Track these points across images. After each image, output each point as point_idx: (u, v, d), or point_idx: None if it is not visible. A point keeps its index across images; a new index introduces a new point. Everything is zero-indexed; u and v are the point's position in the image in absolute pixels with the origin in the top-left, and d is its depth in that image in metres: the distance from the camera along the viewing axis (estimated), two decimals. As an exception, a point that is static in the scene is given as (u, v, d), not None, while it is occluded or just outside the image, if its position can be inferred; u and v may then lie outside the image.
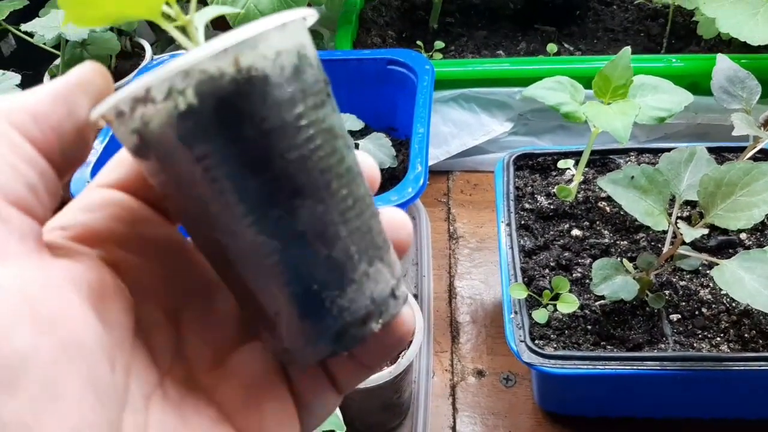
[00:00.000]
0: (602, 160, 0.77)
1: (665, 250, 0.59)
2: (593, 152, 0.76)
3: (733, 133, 0.60)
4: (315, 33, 1.08)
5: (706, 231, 0.55)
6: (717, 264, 0.54)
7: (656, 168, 0.58)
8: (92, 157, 0.78)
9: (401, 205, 0.69)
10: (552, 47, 1.01)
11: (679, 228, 0.55)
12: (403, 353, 0.61)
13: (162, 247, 0.26)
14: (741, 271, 0.53)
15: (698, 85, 0.90)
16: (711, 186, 0.56)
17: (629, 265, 0.63)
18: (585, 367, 0.56)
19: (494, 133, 0.98)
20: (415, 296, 0.84)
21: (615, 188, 0.57)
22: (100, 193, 0.25)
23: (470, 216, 0.96)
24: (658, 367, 0.56)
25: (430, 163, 0.99)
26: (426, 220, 0.94)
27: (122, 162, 0.26)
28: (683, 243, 0.57)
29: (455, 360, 0.77)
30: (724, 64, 0.65)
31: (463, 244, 0.92)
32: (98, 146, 0.80)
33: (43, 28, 0.86)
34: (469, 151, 1.00)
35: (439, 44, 1.02)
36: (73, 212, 0.24)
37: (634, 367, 0.56)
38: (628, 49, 0.61)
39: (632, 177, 0.57)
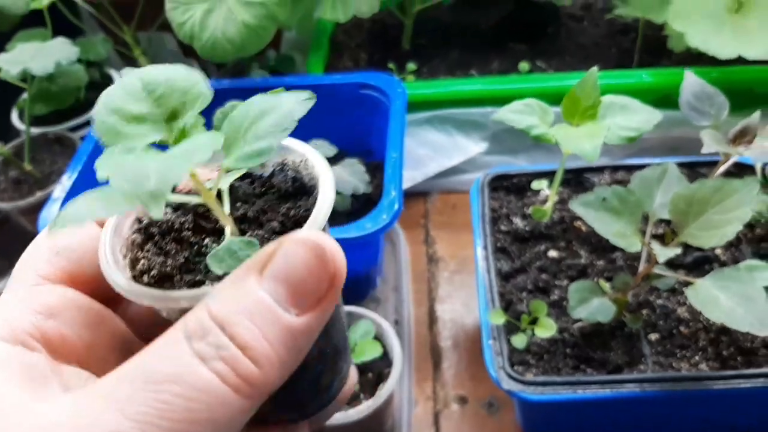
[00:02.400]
0: (577, 179, 0.77)
1: (640, 269, 0.59)
2: (567, 171, 0.76)
3: (702, 151, 0.60)
4: (287, 57, 1.08)
5: (679, 250, 0.55)
6: (691, 283, 0.54)
7: (628, 188, 0.58)
8: (61, 193, 0.77)
9: (377, 232, 0.68)
10: (524, 65, 1.01)
11: (652, 249, 0.55)
12: (381, 384, 0.60)
13: (119, 343, 0.26)
14: (715, 290, 0.53)
15: (670, 98, 0.89)
16: (682, 204, 0.55)
17: (606, 286, 0.62)
18: (565, 391, 0.56)
19: (470, 153, 0.97)
20: (396, 322, 0.83)
21: (587, 211, 0.56)
22: (54, 293, 0.25)
23: (449, 238, 0.95)
24: (638, 389, 0.55)
25: (407, 185, 0.99)
26: (404, 244, 0.93)
27: (64, 252, 0.26)
28: (657, 262, 0.57)
29: (438, 387, 0.76)
30: (691, 80, 0.65)
31: (443, 267, 0.91)
32: (66, 182, 0.79)
33: (8, 63, 0.85)
34: (446, 171, 1.00)
35: (411, 66, 1.02)
36: (31, 314, 0.24)
37: (614, 390, 0.55)
38: (594, 69, 0.61)
39: (604, 199, 0.56)
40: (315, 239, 0.23)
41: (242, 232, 0.29)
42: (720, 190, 0.55)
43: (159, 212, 0.22)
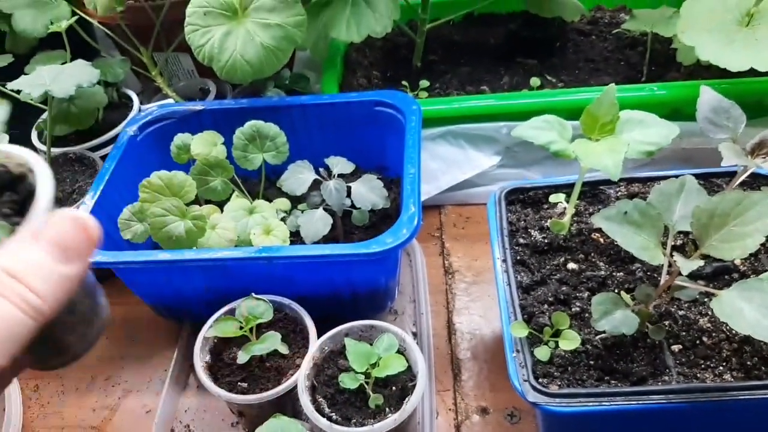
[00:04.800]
0: (592, 192, 0.78)
1: (662, 281, 0.60)
2: (583, 184, 0.77)
3: (722, 164, 0.61)
4: (302, 76, 1.10)
5: (702, 263, 0.55)
6: (715, 294, 0.55)
7: (648, 202, 0.59)
8: (84, 213, 0.78)
9: (398, 247, 0.69)
10: (535, 81, 1.03)
11: (675, 261, 0.55)
12: (407, 399, 0.61)
13: None
14: (740, 302, 0.53)
15: (680, 111, 0.91)
16: (704, 217, 0.56)
17: (627, 298, 0.63)
18: (590, 404, 0.56)
19: (483, 167, 0.99)
20: (414, 335, 0.83)
21: (609, 225, 0.57)
22: None
23: (464, 250, 0.96)
24: (664, 401, 0.56)
25: (422, 199, 1.00)
26: (421, 256, 0.94)
27: None
28: (680, 274, 0.58)
29: (458, 398, 0.77)
30: (707, 96, 0.66)
31: (459, 279, 0.92)
32: (89, 201, 0.80)
33: (29, 86, 0.86)
34: (459, 185, 1.01)
35: (424, 83, 1.04)
36: None
37: (640, 402, 0.56)
38: (613, 86, 0.63)
39: (625, 212, 0.57)
40: (78, 215, 0.33)
41: None
42: (740, 203, 0.56)
43: None
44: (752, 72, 0.85)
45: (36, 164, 0.39)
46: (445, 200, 1.03)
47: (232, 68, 0.83)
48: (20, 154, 0.41)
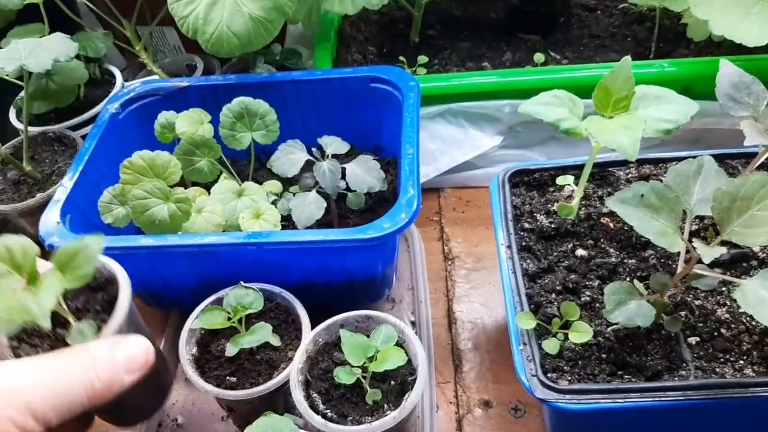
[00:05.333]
0: (601, 173, 0.74)
1: (679, 269, 0.56)
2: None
3: (745, 143, 0.57)
4: (293, 52, 1.04)
5: (724, 250, 0.51)
6: (735, 283, 0.51)
7: (665, 184, 0.55)
8: (62, 195, 0.73)
9: (395, 232, 0.65)
10: (539, 57, 0.98)
11: (695, 248, 0.51)
12: (407, 394, 0.57)
13: None
14: (764, 291, 0.50)
15: (691, 89, 0.87)
16: (726, 201, 0.52)
17: (641, 287, 0.59)
18: (603, 401, 0.52)
19: (484, 147, 0.94)
20: (413, 324, 0.80)
21: (624, 208, 0.53)
22: None
23: (464, 235, 0.92)
24: (682, 397, 0.52)
25: (422, 181, 0.95)
26: (419, 242, 0.90)
27: None
28: (699, 262, 0.54)
29: (459, 391, 0.73)
30: (728, 69, 0.62)
31: (459, 265, 0.88)
32: (68, 183, 0.75)
33: (3, 60, 0.81)
34: (459, 166, 0.97)
35: (422, 59, 0.99)
36: None
37: (656, 399, 0.52)
38: (628, 58, 0.58)
39: (642, 195, 0.53)
40: (145, 345, 0.47)
41: (78, 318, 0.53)
42: (765, 185, 0.52)
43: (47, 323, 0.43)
44: (766, 48, 0.81)
45: (120, 276, 0.53)
46: (445, 183, 0.99)
47: (218, 41, 0.78)
48: (111, 264, 0.55)
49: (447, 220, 0.95)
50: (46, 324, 0.42)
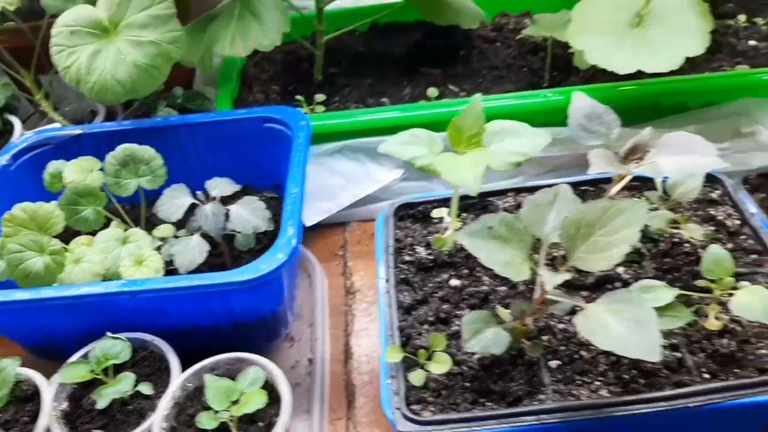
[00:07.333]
0: (482, 204, 0.76)
1: (535, 296, 0.58)
2: (472, 196, 0.75)
3: (588, 171, 0.59)
4: (197, 94, 1.05)
5: (568, 276, 0.53)
6: (583, 308, 0.53)
7: (516, 214, 0.57)
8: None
9: (273, 272, 0.65)
10: (433, 91, 1.01)
11: (541, 276, 0.53)
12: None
13: None
14: (607, 315, 0.51)
15: (577, 116, 0.90)
16: (571, 228, 0.54)
17: (506, 314, 0.61)
18: (461, 429, 0.53)
19: (384, 181, 0.96)
20: (310, 361, 0.80)
21: (473, 241, 0.55)
22: None
23: (367, 268, 0.93)
24: (536, 422, 0.53)
25: (323, 217, 0.96)
26: (322, 278, 0.91)
27: None
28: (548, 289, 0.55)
29: (350, 427, 0.73)
30: (580, 102, 0.64)
31: (360, 299, 0.89)
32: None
33: None
34: (364, 200, 0.98)
35: (319, 97, 1.01)
36: None
37: (513, 425, 0.53)
38: (479, 96, 0.61)
39: (490, 227, 0.55)
40: None
41: (7, 429, 0.56)
42: (607, 211, 0.54)
43: None
44: (655, 73, 0.84)
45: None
46: (350, 217, 1.00)
47: (102, 89, 0.78)
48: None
49: (351, 254, 0.96)
50: None
